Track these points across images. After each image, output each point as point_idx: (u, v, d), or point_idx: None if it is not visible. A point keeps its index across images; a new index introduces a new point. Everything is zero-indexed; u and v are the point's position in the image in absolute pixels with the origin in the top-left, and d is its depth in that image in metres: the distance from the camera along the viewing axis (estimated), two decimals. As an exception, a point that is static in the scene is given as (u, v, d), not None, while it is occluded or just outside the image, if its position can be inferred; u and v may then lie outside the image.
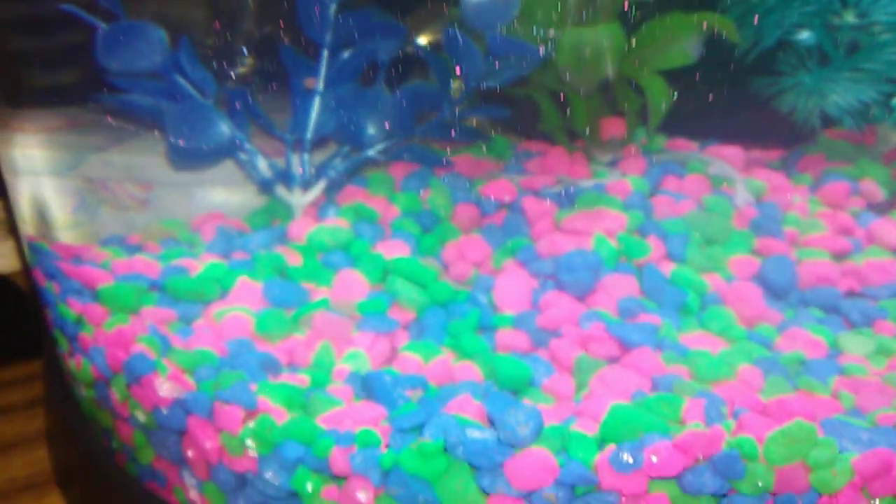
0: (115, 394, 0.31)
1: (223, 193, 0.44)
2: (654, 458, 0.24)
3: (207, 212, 0.43)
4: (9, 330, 0.49)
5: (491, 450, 0.26)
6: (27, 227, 0.40)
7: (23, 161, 0.41)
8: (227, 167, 0.43)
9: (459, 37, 0.35)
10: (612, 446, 0.25)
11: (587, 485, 0.25)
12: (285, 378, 0.30)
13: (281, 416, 0.28)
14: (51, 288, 0.36)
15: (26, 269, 0.44)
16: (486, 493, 0.26)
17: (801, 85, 0.46)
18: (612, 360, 0.31)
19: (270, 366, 0.31)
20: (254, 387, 0.28)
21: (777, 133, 0.49)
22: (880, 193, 0.47)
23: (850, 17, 0.46)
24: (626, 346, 0.31)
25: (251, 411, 0.28)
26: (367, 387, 0.29)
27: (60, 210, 0.42)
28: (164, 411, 0.29)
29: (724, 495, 0.24)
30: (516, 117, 0.47)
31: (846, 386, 0.30)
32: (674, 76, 0.43)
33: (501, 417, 0.26)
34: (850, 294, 0.37)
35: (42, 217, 0.40)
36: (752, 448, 0.24)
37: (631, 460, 0.24)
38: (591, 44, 0.37)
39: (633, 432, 0.25)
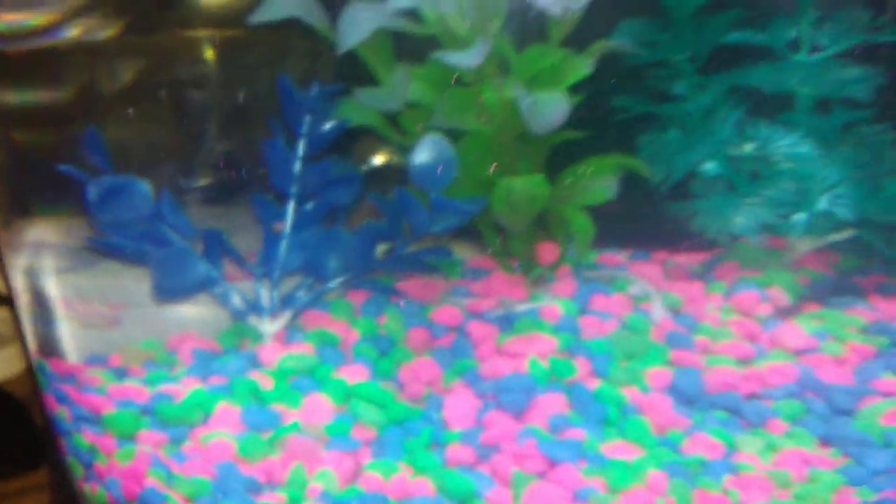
0: (124, 522, 0.37)
1: (191, 311, 0.51)
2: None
3: (178, 330, 0.50)
4: (9, 443, 0.54)
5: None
6: (30, 343, 0.46)
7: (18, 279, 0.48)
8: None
9: (407, 196, 0.43)
10: None
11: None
12: (266, 498, 0.37)
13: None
14: (63, 414, 0.42)
15: (30, 374, 0.50)
16: None
17: (708, 209, 0.55)
18: (541, 474, 0.38)
19: (253, 487, 0.37)
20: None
21: (701, 241, 0.58)
22: (786, 299, 0.55)
23: (748, 149, 0.56)
24: (553, 462, 0.38)
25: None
26: (339, 506, 0.36)
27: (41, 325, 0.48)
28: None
29: None
30: (467, 232, 0.55)
31: (735, 483, 0.38)
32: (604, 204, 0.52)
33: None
34: (751, 396, 0.46)
35: (38, 333, 0.46)
36: None
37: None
38: (520, 192, 0.46)
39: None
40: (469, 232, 0.55)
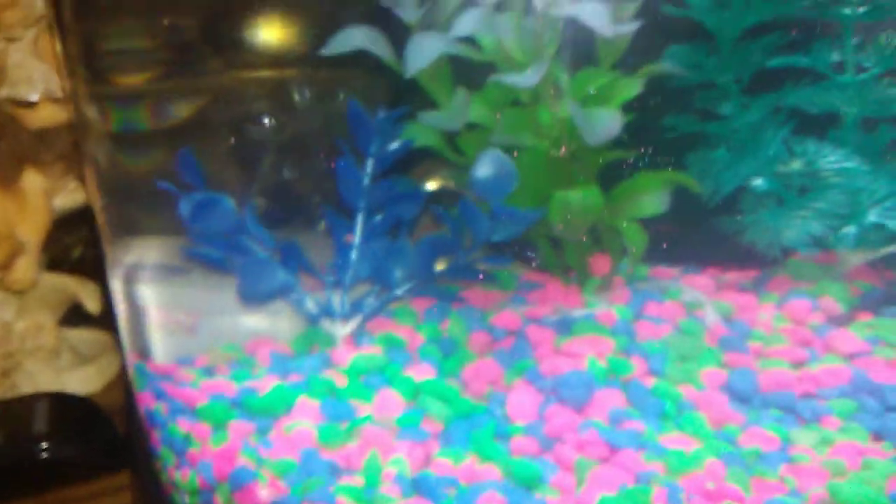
0: (219, 499, 0.42)
1: (261, 321, 0.56)
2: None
3: (249, 337, 0.55)
4: (95, 446, 0.60)
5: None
6: (130, 352, 0.52)
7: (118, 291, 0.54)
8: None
9: (470, 206, 0.48)
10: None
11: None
12: (346, 480, 0.41)
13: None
14: (160, 409, 0.47)
15: (126, 391, 0.56)
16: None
17: (758, 224, 0.59)
18: (604, 460, 0.42)
19: (334, 470, 0.42)
20: (331, 488, 0.39)
21: (752, 258, 0.61)
22: (838, 308, 0.58)
23: (797, 166, 0.59)
24: (614, 449, 0.42)
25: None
26: (418, 485, 0.40)
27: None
28: (262, 511, 0.40)
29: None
30: (522, 251, 0.60)
31: (791, 472, 0.40)
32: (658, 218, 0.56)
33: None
34: (805, 395, 0.48)
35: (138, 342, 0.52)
36: None
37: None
38: (576, 203, 0.50)
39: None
40: (524, 250, 0.60)
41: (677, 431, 0.44)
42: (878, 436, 0.44)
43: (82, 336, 0.70)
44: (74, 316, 0.72)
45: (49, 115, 0.62)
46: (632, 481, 0.40)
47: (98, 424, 0.61)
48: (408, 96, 0.55)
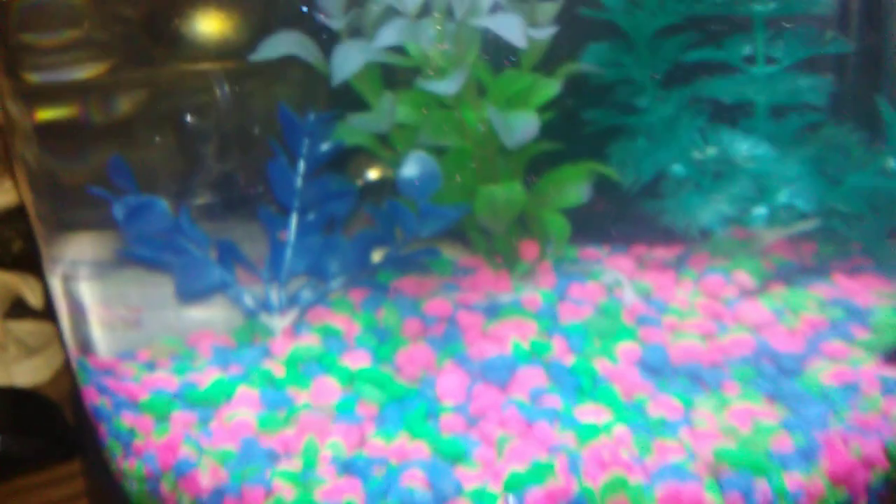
0: (165, 486, 0.46)
1: (202, 314, 0.60)
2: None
3: (191, 330, 0.58)
4: (46, 437, 0.63)
5: (431, 504, 0.41)
6: (72, 346, 0.55)
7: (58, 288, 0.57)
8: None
9: (397, 205, 0.52)
10: (504, 497, 0.40)
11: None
12: (284, 464, 0.45)
13: (289, 493, 0.43)
14: (104, 403, 0.51)
15: (67, 376, 0.59)
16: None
17: (677, 207, 0.64)
18: (522, 434, 0.46)
19: (273, 456, 0.46)
20: (268, 474, 0.43)
21: (677, 237, 0.66)
22: (751, 282, 0.64)
23: (711, 153, 0.64)
24: (531, 424, 0.47)
25: (269, 491, 0.43)
26: (350, 466, 0.44)
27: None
28: (205, 497, 0.44)
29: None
30: (456, 236, 0.64)
31: (689, 435, 0.46)
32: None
33: (437, 483, 0.41)
34: (712, 365, 0.54)
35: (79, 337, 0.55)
36: (591, 494, 0.40)
37: (514, 504, 0.40)
38: (499, 198, 0.54)
39: (520, 487, 0.40)
40: (458, 235, 0.64)
41: (592, 404, 0.49)
42: (771, 399, 0.50)
43: (27, 328, 0.72)
44: (17, 309, 0.74)
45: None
46: (544, 453, 0.45)
47: (48, 415, 0.64)
48: (348, 90, 0.58)
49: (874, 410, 0.47)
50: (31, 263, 0.73)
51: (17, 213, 0.71)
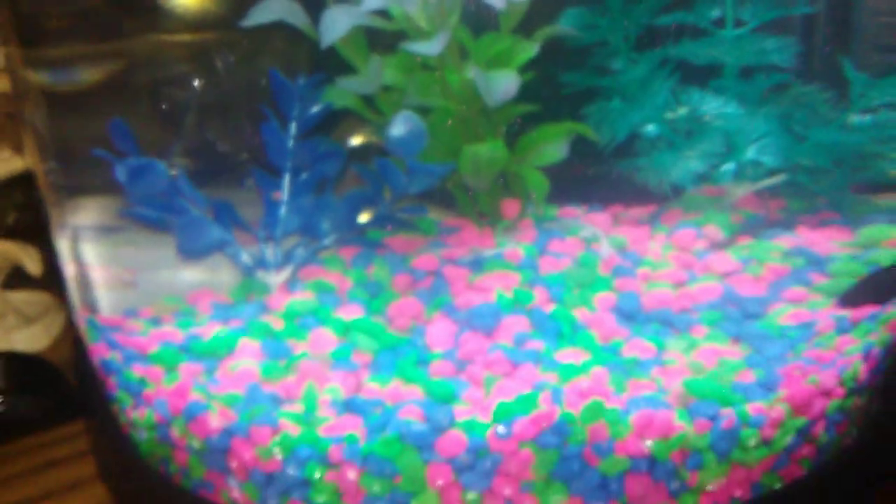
0: (175, 431, 0.49)
1: (196, 275, 0.63)
2: (517, 429, 0.44)
3: (187, 289, 0.61)
4: (50, 398, 0.66)
5: (426, 435, 0.45)
6: (80, 308, 0.58)
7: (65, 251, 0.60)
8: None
9: (386, 163, 0.55)
10: (494, 426, 0.44)
11: (484, 450, 0.44)
12: (286, 407, 0.49)
13: (294, 430, 0.47)
14: (114, 357, 0.54)
15: (76, 345, 0.62)
16: (425, 462, 0.45)
17: (650, 164, 0.68)
18: (507, 375, 0.50)
19: (276, 401, 0.49)
20: (274, 413, 0.47)
21: (651, 195, 0.70)
22: (721, 235, 0.68)
23: (683, 112, 0.68)
24: (516, 365, 0.51)
25: (275, 429, 0.46)
26: (349, 406, 0.48)
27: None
28: (215, 438, 0.47)
29: (562, 447, 0.44)
30: (441, 198, 0.67)
31: (661, 373, 0.50)
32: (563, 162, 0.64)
33: (432, 415, 0.45)
34: (682, 311, 0.58)
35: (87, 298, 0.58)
36: (573, 417, 0.44)
37: (504, 432, 0.44)
38: (482, 156, 0.58)
39: (508, 416, 0.45)
40: (443, 198, 0.68)
41: (571, 348, 0.53)
42: (736, 339, 0.54)
43: (25, 297, 0.75)
44: (14, 279, 0.77)
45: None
46: (529, 390, 0.49)
47: (50, 378, 0.67)
48: (329, 56, 0.61)
49: (829, 346, 0.52)
50: (26, 234, 0.76)
51: (12, 185, 0.74)
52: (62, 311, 0.75)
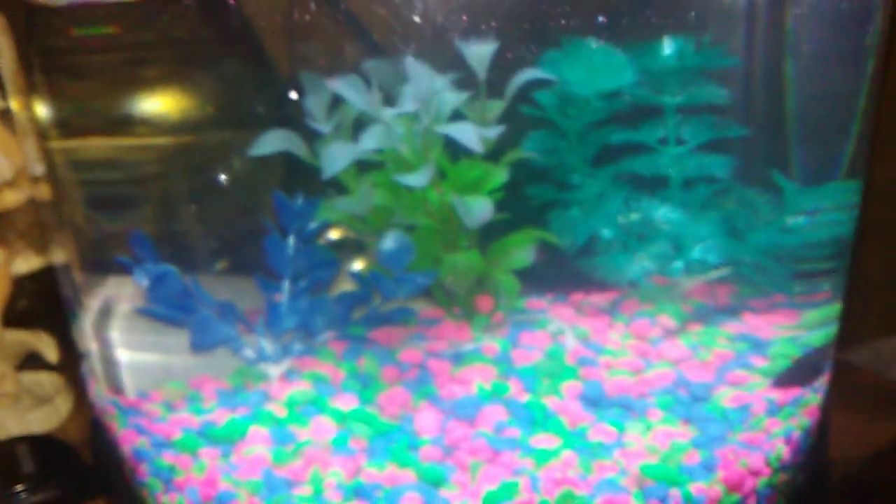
0: (205, 519, 0.57)
1: (198, 361, 0.71)
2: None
3: (191, 375, 0.69)
4: (67, 481, 0.72)
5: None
6: (103, 389, 0.66)
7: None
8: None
9: (378, 275, 0.65)
10: None
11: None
12: (297, 491, 0.57)
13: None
14: (144, 444, 0.62)
15: (94, 425, 0.69)
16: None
17: (607, 263, 0.78)
18: (490, 460, 0.59)
19: (289, 484, 0.57)
20: (293, 499, 0.55)
21: (610, 286, 0.80)
22: (673, 323, 0.78)
23: (634, 218, 0.80)
24: (497, 452, 0.60)
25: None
26: (356, 491, 0.56)
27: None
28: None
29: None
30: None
31: (621, 455, 0.59)
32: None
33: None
34: (640, 396, 0.67)
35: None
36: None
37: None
38: (460, 264, 0.68)
39: (495, 502, 0.53)
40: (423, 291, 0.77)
41: (544, 433, 0.63)
42: (686, 421, 0.64)
43: (36, 378, 0.82)
44: (23, 360, 0.84)
45: (11, 199, 0.74)
46: (509, 475, 0.58)
47: (66, 459, 0.74)
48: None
49: (760, 428, 0.62)
50: (35, 321, 0.83)
51: (28, 277, 0.81)
52: (71, 390, 0.81)
